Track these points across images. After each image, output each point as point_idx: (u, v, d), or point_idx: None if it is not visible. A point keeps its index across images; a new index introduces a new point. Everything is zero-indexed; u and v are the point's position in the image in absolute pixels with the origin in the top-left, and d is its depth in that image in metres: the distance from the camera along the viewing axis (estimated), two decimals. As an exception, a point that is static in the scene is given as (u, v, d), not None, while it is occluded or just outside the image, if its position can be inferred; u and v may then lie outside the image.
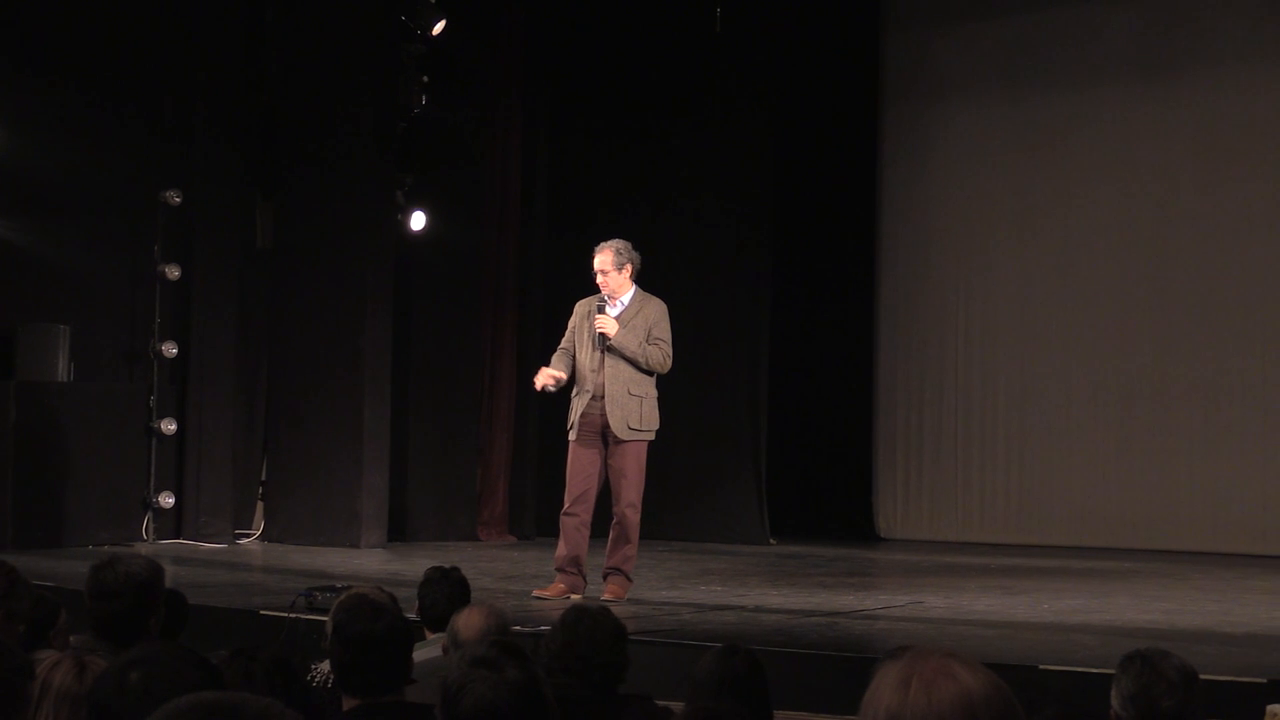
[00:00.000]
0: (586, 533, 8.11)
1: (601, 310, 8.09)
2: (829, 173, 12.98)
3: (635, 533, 8.07)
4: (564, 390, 8.36)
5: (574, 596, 7.96)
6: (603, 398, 8.02)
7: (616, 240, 8.19)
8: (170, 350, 10.91)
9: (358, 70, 11.28)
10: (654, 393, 8.13)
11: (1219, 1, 11.97)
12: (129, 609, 3.92)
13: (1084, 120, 12.35)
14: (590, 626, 4.10)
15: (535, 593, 8.10)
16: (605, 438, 8.05)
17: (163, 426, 10.89)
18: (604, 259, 8.10)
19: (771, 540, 12.12)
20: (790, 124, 12.76)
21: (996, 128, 12.75)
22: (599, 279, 8.12)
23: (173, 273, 10.90)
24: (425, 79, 11.68)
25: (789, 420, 12.74)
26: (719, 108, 12.52)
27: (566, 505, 8.11)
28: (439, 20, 11.49)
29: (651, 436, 8.13)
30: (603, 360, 8.05)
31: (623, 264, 8.09)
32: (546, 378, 8.25)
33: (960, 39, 12.93)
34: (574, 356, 8.20)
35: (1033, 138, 12.60)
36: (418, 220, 11.75)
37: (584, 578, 8.09)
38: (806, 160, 12.91)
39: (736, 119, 12.55)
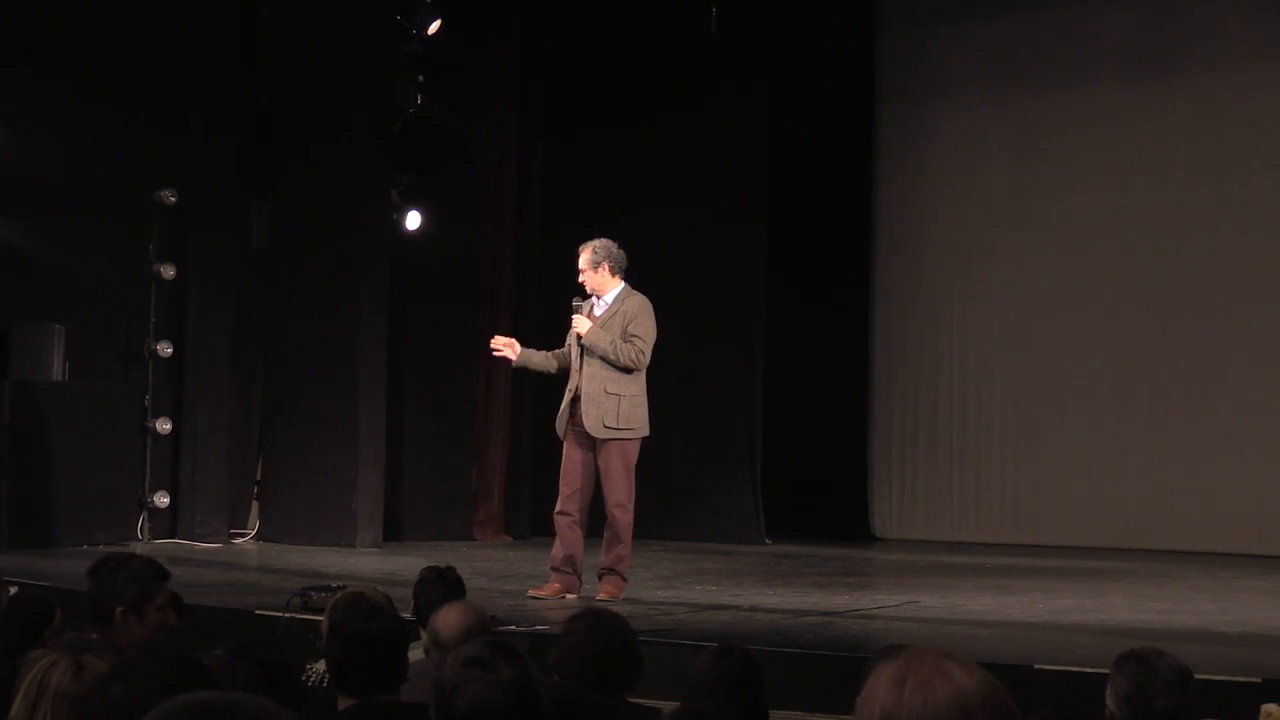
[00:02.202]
0: (581, 532, 8.10)
1: (578, 309, 8.11)
2: (824, 172, 12.97)
3: (627, 532, 8.05)
4: (560, 391, 8.34)
5: (569, 596, 7.97)
6: (581, 398, 8.03)
7: (596, 240, 8.19)
8: (165, 350, 10.90)
9: (353, 70, 11.27)
10: (635, 391, 8.05)
11: (1212, 1, 11.97)
12: (130, 604, 3.96)
13: (1079, 120, 12.36)
14: (603, 630, 4.09)
15: (531, 592, 8.11)
16: (592, 437, 8.05)
17: (158, 426, 10.88)
18: (583, 258, 8.13)
19: (767, 540, 12.12)
20: (786, 124, 12.76)
21: (992, 127, 12.76)
22: (580, 278, 8.15)
23: (168, 272, 10.90)
24: (421, 79, 11.68)
25: (784, 420, 12.74)
26: (715, 106, 12.52)
27: (559, 505, 8.12)
28: (435, 20, 11.49)
29: (633, 435, 8.05)
30: (582, 360, 8.05)
31: (599, 262, 8.09)
32: (504, 344, 8.21)
33: (956, 39, 12.94)
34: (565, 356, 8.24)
35: (1028, 137, 12.61)
36: (413, 220, 11.75)
37: (579, 577, 8.09)
38: (802, 160, 12.90)
39: (732, 117, 12.55)
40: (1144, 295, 12.09)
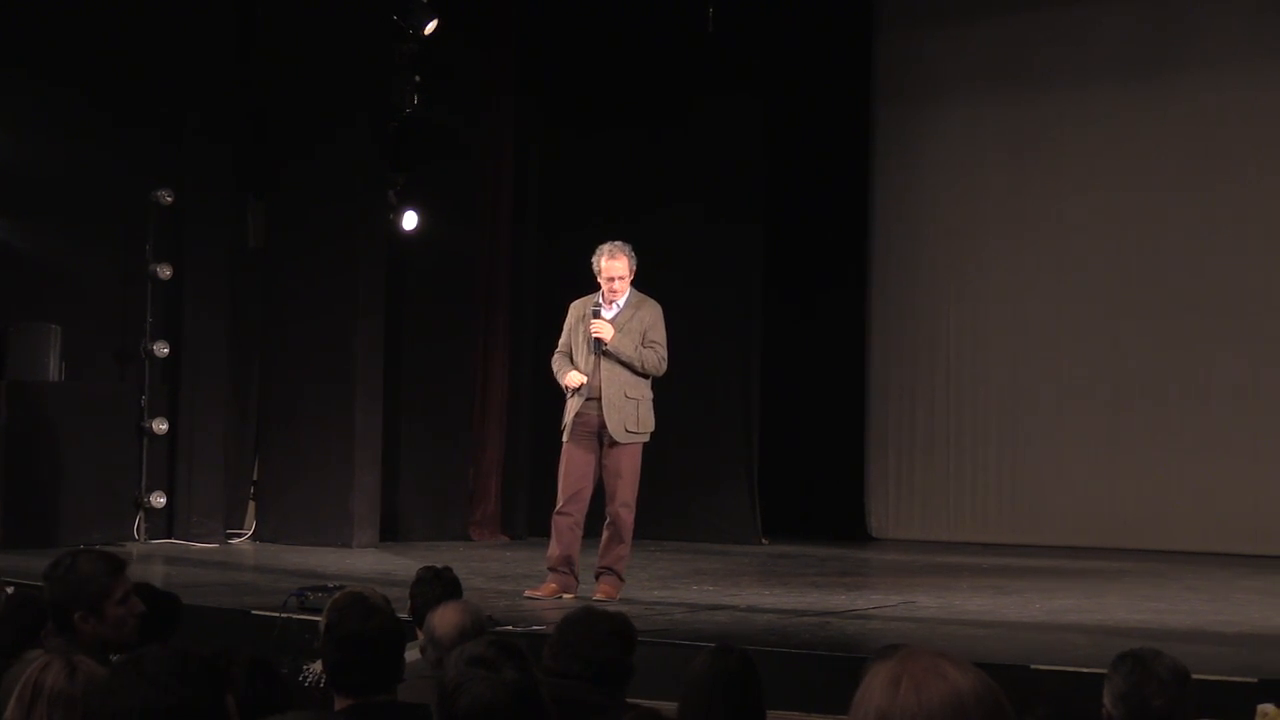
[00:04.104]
0: (579, 532, 8.11)
1: (597, 313, 8.08)
2: (821, 173, 12.96)
3: (629, 533, 8.08)
4: (557, 391, 8.36)
5: (566, 596, 7.97)
6: (599, 400, 8.02)
7: (619, 242, 8.15)
8: (162, 350, 10.90)
9: (350, 70, 11.27)
10: (650, 395, 8.15)
11: (1211, 1, 11.98)
12: (87, 606, 3.93)
13: (1076, 120, 12.35)
14: (601, 628, 4.09)
15: (527, 592, 8.11)
16: (600, 439, 8.06)
17: (154, 426, 10.88)
18: (620, 265, 8.03)
19: (764, 540, 12.12)
20: (783, 124, 12.75)
21: (988, 128, 12.75)
22: (613, 284, 8.05)
23: (164, 272, 10.90)
24: (417, 79, 11.68)
25: (781, 420, 12.73)
26: (711, 107, 12.51)
27: (560, 505, 8.11)
28: (431, 20, 11.49)
29: (647, 438, 8.15)
30: (598, 363, 8.05)
31: (633, 268, 8.12)
32: (575, 381, 8.11)
33: (953, 39, 12.93)
34: (570, 358, 8.19)
35: (1025, 138, 12.60)
36: (410, 220, 11.75)
37: (576, 577, 8.10)
38: (799, 160, 12.89)
39: (729, 117, 12.55)
40: (1141, 295, 12.09)
